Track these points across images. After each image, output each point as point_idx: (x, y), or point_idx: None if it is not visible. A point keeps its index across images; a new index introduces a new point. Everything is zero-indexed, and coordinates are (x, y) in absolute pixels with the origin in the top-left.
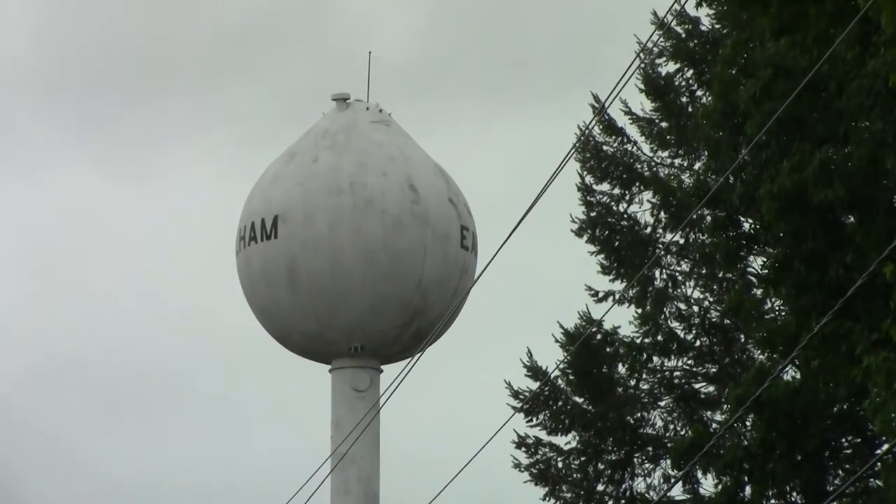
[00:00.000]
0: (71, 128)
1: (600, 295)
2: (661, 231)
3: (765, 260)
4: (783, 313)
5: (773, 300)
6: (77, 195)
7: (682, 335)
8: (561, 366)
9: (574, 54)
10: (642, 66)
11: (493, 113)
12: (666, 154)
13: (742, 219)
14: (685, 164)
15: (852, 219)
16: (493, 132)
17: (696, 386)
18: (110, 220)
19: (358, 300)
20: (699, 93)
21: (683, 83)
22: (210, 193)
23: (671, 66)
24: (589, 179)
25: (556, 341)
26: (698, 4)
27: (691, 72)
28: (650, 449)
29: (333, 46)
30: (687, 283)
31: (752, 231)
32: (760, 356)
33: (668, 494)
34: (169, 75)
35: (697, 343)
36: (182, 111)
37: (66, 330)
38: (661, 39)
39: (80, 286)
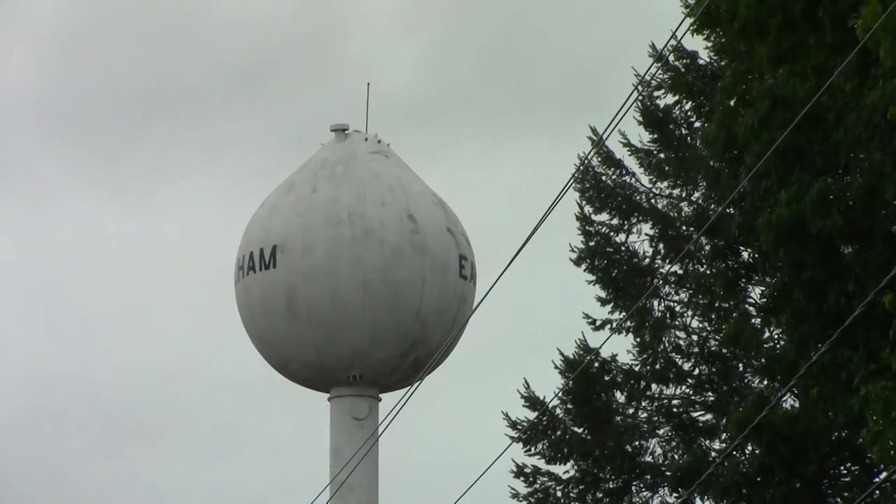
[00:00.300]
0: (76, 159)
1: (598, 323)
2: (659, 261)
3: (763, 289)
4: (782, 342)
5: (771, 329)
6: (81, 226)
7: (680, 363)
8: (559, 394)
9: (575, 86)
10: (640, 98)
11: (493, 144)
12: (664, 185)
13: (741, 248)
14: (683, 195)
15: (851, 248)
16: (492, 163)
17: (695, 414)
18: (113, 251)
19: (357, 329)
20: (697, 124)
21: (681, 115)
22: (212, 224)
23: (669, 98)
24: (588, 209)
25: (556, 368)
26: (695, 32)
27: (690, 104)
28: (648, 477)
29: (334, 78)
30: (685, 313)
31: (751, 260)
32: (759, 384)
33: None
34: (174, 108)
35: (696, 371)
36: (186, 143)
37: (65, 358)
38: (660, 72)
39: (81, 315)
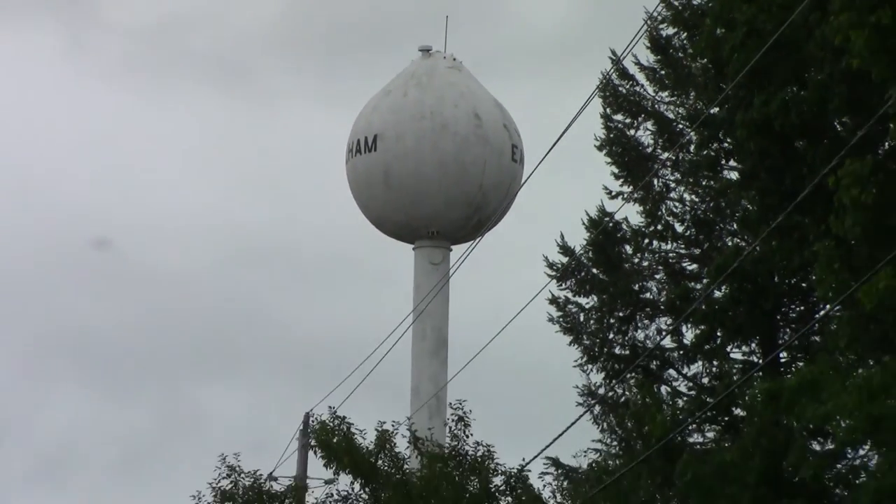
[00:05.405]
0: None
1: (614, 194)
2: (660, 150)
3: (738, 171)
4: (751, 209)
5: (744, 203)
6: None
7: (674, 226)
8: (585, 245)
9: (595, 21)
10: (649, 29)
11: (540, 64)
12: (665, 94)
13: (722, 140)
14: (679, 101)
15: (804, 142)
16: (537, 77)
17: (684, 264)
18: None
19: (435, 197)
20: (691, 51)
21: (679, 42)
22: (329, 116)
23: (671, 30)
24: (608, 111)
25: (583, 225)
26: None
27: (685, 34)
28: (648, 309)
29: (424, 11)
30: (679, 188)
31: (729, 148)
32: (733, 241)
33: (661, 345)
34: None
35: (686, 232)
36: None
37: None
38: (664, 9)
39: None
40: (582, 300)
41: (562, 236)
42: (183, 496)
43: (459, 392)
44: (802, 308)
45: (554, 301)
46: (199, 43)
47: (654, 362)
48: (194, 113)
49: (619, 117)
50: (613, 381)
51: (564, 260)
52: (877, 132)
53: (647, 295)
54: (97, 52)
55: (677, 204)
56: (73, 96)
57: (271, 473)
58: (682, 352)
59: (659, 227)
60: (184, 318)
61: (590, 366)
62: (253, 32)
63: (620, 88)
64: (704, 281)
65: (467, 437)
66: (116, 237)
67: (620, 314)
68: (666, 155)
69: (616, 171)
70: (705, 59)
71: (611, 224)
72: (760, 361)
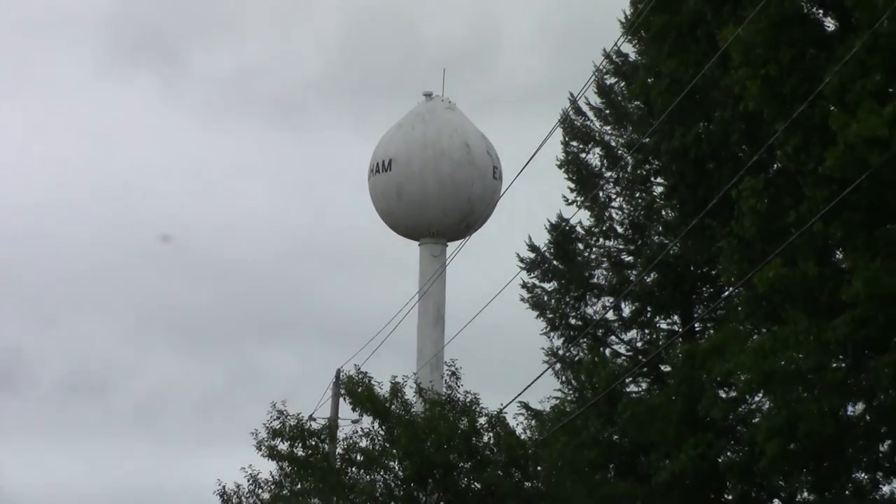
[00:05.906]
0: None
1: (570, 201)
2: (604, 169)
3: (662, 185)
4: (673, 215)
5: (668, 210)
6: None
7: (616, 227)
8: (547, 242)
9: (559, 72)
10: (596, 78)
11: (515, 105)
12: (609, 127)
13: (652, 161)
14: (618, 132)
15: (713, 164)
16: (513, 115)
17: (623, 256)
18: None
19: (435, 207)
20: (628, 95)
21: (619, 89)
22: (357, 145)
23: (613, 79)
24: (567, 139)
25: (545, 228)
26: (628, 41)
27: (623, 83)
28: (596, 291)
29: (428, 65)
30: (619, 199)
31: (657, 168)
32: (658, 240)
33: (605, 317)
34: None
35: (625, 232)
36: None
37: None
38: (608, 63)
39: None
40: (546, 285)
41: (529, 238)
42: (243, 433)
43: (453, 353)
44: (712, 290)
45: (524, 285)
46: (263, 88)
47: (600, 331)
48: (257, 141)
49: (574, 144)
50: (570, 345)
51: (532, 255)
52: (768, 158)
53: (595, 280)
54: (184, 94)
55: (618, 211)
56: (165, 129)
57: (311, 415)
58: (621, 323)
59: (604, 228)
60: (247, 297)
61: (552, 333)
62: (302, 81)
63: (576, 122)
64: (638, 269)
65: (459, 387)
66: (195, 236)
67: (574, 294)
68: (609, 173)
69: (571, 185)
70: (638, 101)
71: (567, 226)
72: (680, 330)
